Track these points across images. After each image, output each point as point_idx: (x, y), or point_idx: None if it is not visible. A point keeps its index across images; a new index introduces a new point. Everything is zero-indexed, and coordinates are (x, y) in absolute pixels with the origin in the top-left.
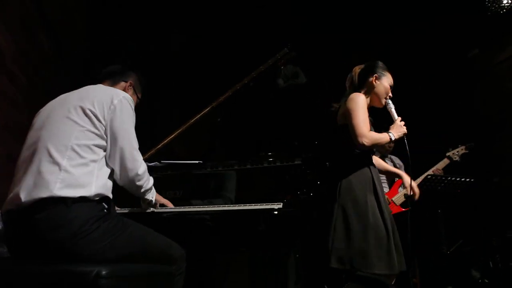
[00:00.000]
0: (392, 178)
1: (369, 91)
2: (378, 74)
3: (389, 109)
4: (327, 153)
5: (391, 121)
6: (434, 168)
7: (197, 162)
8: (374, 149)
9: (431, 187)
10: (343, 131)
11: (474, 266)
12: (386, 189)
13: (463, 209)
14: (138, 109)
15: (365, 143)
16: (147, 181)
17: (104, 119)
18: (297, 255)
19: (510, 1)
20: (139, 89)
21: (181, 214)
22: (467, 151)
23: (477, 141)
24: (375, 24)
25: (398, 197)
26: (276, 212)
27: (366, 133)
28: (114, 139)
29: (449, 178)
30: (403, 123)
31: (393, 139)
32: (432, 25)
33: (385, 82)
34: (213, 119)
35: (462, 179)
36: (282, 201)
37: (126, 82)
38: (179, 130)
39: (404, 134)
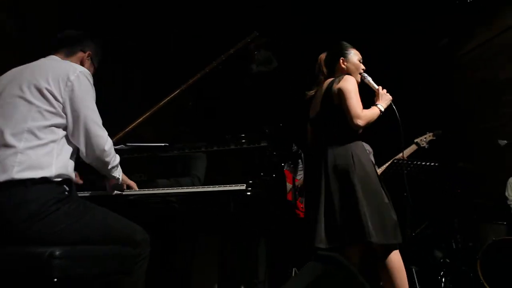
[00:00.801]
0: None
1: (341, 72)
2: (344, 55)
3: (367, 82)
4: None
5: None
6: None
7: (163, 144)
8: None
9: (397, 171)
10: (339, 111)
11: (437, 247)
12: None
13: (428, 192)
14: (108, 91)
15: (359, 123)
16: (114, 158)
17: (62, 97)
18: (267, 239)
19: None
20: (97, 60)
21: (146, 196)
22: (434, 138)
23: (446, 128)
24: (346, 14)
25: None
26: (244, 194)
27: (360, 114)
28: (75, 117)
29: (415, 162)
30: (385, 90)
31: (383, 109)
32: (404, 14)
33: (353, 59)
34: (183, 102)
35: (427, 164)
36: (248, 182)
37: (84, 52)
38: (148, 113)
39: (391, 100)
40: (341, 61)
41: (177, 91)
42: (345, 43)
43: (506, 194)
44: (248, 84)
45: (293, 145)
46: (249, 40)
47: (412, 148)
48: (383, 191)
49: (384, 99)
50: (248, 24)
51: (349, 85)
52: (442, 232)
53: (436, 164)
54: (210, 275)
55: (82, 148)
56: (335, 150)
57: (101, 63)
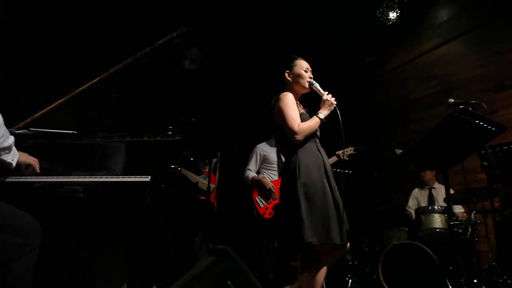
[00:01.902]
0: None
1: (291, 86)
2: (289, 68)
3: (315, 89)
4: None
5: None
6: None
7: (71, 132)
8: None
9: None
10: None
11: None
12: (276, 177)
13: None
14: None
15: (298, 139)
16: (2, 138)
17: None
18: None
19: (396, 16)
20: None
21: (45, 184)
22: (354, 152)
23: (364, 140)
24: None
25: None
26: (149, 186)
27: (297, 129)
28: None
29: (333, 170)
30: (330, 96)
31: (322, 117)
32: (334, 31)
33: (297, 70)
34: (106, 92)
35: (343, 171)
36: (155, 174)
37: None
38: (62, 100)
39: (334, 106)
40: (286, 74)
41: (95, 80)
42: (292, 55)
43: (408, 204)
44: (173, 78)
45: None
46: (175, 34)
47: (333, 159)
48: (326, 196)
49: (327, 106)
50: (178, 19)
51: (283, 104)
52: (353, 236)
53: (350, 171)
54: (116, 275)
55: None
56: (288, 156)
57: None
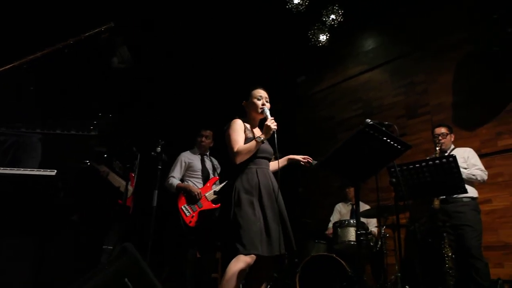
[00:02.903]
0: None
1: (247, 113)
2: (247, 99)
3: (264, 115)
4: None
5: None
6: None
7: None
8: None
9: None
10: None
11: None
12: (200, 185)
13: None
14: None
15: (235, 159)
16: None
17: None
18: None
19: (326, 39)
20: None
21: None
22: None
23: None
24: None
25: (211, 194)
26: (53, 180)
27: (235, 151)
28: None
29: None
30: (272, 121)
31: (260, 141)
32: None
33: (251, 100)
34: (18, 80)
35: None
36: (63, 169)
37: None
38: None
39: (273, 131)
40: (244, 104)
41: (7, 66)
42: (252, 88)
43: (331, 218)
44: (98, 74)
45: (134, 148)
46: (102, 29)
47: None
48: (254, 215)
49: (267, 131)
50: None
51: (230, 128)
52: None
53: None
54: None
55: None
56: (233, 178)
57: None
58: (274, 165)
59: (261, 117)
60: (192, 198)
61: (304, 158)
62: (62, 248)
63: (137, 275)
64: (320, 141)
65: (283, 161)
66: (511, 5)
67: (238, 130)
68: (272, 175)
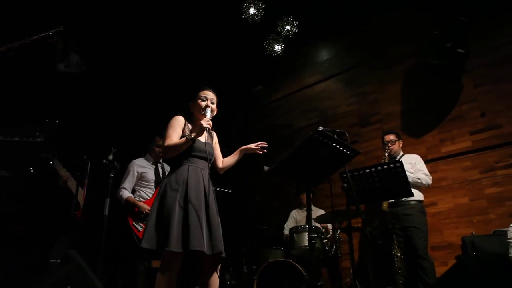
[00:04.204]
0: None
1: (193, 114)
2: (193, 99)
3: (205, 115)
4: None
5: None
6: None
7: None
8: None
9: None
10: None
11: (226, 270)
12: (151, 195)
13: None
14: None
15: (164, 153)
16: None
17: None
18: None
19: (281, 49)
20: None
21: None
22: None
23: (248, 165)
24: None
25: None
26: None
27: (165, 146)
28: None
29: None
30: (207, 120)
31: (189, 138)
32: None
33: (197, 100)
34: None
35: (222, 189)
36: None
37: None
38: None
39: (206, 129)
40: (190, 105)
41: None
42: (199, 89)
43: (285, 225)
44: (45, 78)
45: (84, 155)
46: (50, 33)
47: None
48: (174, 207)
49: (199, 129)
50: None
51: (169, 124)
52: (231, 255)
53: (230, 190)
54: None
55: None
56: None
57: None
58: (230, 160)
59: (203, 118)
60: (141, 214)
61: (256, 145)
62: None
63: (81, 283)
64: (277, 149)
65: (235, 155)
66: (449, 23)
67: (175, 126)
68: (207, 176)
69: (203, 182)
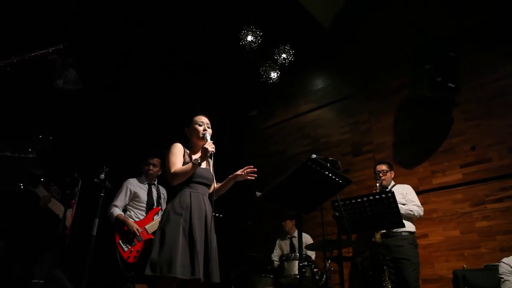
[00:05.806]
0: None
1: (190, 139)
2: (188, 125)
3: (205, 140)
4: None
5: None
6: None
7: None
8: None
9: None
10: None
11: None
12: (142, 216)
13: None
14: None
15: (171, 180)
16: None
17: None
18: None
19: (277, 76)
20: None
21: None
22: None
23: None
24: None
25: (152, 225)
26: None
27: (171, 172)
28: None
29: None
30: (210, 144)
31: (196, 163)
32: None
33: (192, 126)
34: None
35: (213, 214)
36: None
37: None
38: None
39: (210, 153)
40: (186, 130)
41: None
42: (194, 114)
43: (272, 255)
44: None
45: (75, 173)
46: (50, 50)
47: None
48: (179, 233)
49: (204, 153)
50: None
51: (169, 151)
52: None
53: (221, 215)
54: None
55: None
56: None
57: None
58: (220, 189)
59: (202, 143)
60: (129, 234)
61: (243, 171)
62: None
63: None
64: (270, 175)
65: (225, 183)
66: (440, 58)
67: (177, 153)
68: (207, 202)
69: (205, 208)
